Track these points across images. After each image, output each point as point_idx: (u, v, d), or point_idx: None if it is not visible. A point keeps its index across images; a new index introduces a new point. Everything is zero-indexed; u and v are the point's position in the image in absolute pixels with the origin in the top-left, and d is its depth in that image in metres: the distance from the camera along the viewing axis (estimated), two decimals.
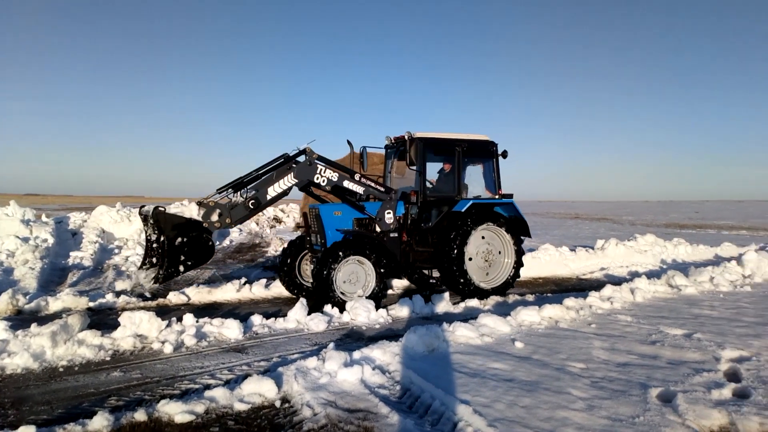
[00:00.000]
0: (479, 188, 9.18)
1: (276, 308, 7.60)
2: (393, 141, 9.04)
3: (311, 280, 8.07)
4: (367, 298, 7.21)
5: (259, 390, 4.01)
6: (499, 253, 8.62)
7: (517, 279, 8.71)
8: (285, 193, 7.49)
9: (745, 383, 4.01)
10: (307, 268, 8.60)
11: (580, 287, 9.53)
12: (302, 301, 6.81)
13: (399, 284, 9.42)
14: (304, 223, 8.48)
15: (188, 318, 6.11)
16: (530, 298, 8.33)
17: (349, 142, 8.82)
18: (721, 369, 4.38)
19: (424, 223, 8.57)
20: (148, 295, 7.79)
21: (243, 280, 8.76)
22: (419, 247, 8.44)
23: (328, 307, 6.97)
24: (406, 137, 8.13)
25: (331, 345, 4.97)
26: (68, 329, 5.36)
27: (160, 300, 7.82)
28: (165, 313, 6.89)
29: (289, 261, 8.40)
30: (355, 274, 7.43)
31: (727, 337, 5.30)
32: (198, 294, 8.04)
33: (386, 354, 4.73)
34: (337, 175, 7.75)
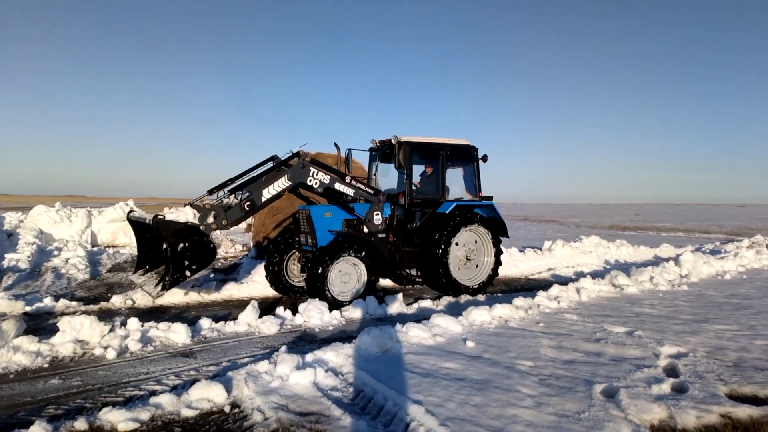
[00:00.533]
0: (459, 190, 9.45)
1: (226, 311, 7.43)
2: (378, 144, 9.22)
3: (299, 280, 8.58)
4: (352, 296, 7.58)
5: (207, 395, 3.90)
6: (480, 252, 8.97)
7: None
8: (279, 194, 7.62)
9: (682, 378, 4.21)
10: (294, 268, 8.73)
11: (528, 287, 9.77)
12: (253, 303, 6.69)
13: (381, 283, 9.30)
14: (294, 224, 8.72)
15: (133, 322, 5.89)
16: (481, 298, 8.48)
17: (336, 145, 8.91)
18: (661, 365, 4.58)
19: (409, 224, 8.79)
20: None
21: (191, 283, 8.52)
22: (405, 248, 8.68)
23: (280, 310, 6.88)
24: (393, 141, 8.37)
25: (283, 348, 4.90)
26: (2, 335, 5.08)
27: (103, 304, 7.51)
28: (108, 317, 6.61)
29: (276, 261, 8.49)
30: (347, 274, 7.65)
31: (666, 334, 5.55)
32: (144, 297, 7.75)
33: (339, 356, 4.70)
34: (329, 177, 7.94)
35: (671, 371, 4.45)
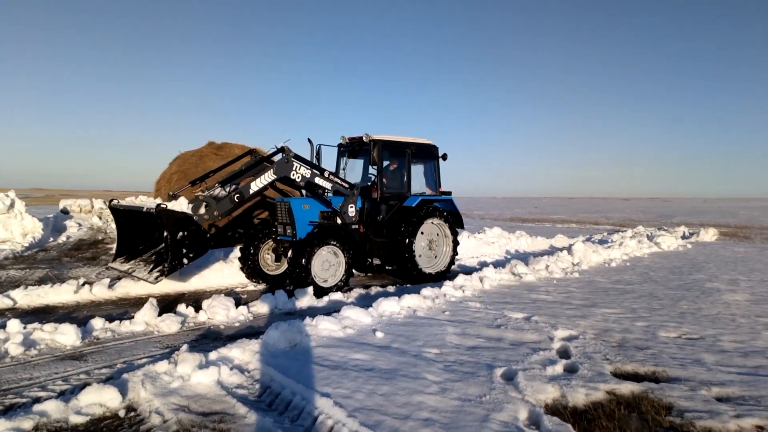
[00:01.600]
0: (420, 185, 10.11)
1: (121, 310, 6.95)
2: (348, 140, 9.70)
3: (272, 269, 9.12)
4: (337, 282, 8.08)
5: (99, 400, 3.62)
6: (440, 243, 9.82)
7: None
8: (265, 188, 7.96)
9: (573, 359, 4.53)
10: (268, 258, 9.15)
11: (436, 277, 10.05)
12: (152, 301, 6.31)
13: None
14: (271, 215, 9.15)
15: (13, 324, 5.33)
16: (391, 289, 8.60)
17: (309, 141, 9.22)
18: (555, 347, 4.90)
19: (378, 216, 9.33)
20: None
21: (82, 280, 7.88)
22: (375, 238, 9.22)
23: (182, 307, 6.55)
24: (365, 139, 9.03)
25: (185, 347, 4.66)
26: None
27: None
28: None
29: (252, 251, 8.82)
30: (327, 262, 8.10)
31: (560, 319, 5.95)
32: (26, 297, 7.05)
33: (245, 352, 4.56)
34: (310, 172, 8.37)
35: (564, 353, 4.77)
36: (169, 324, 5.92)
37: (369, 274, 10.06)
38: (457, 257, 10.35)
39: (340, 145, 10.02)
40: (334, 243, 8.06)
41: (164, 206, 7.15)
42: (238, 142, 15.16)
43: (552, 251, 13.03)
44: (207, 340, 5.61)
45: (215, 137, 22.14)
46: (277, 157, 8.30)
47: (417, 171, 10.13)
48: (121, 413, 3.55)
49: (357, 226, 8.96)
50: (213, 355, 4.43)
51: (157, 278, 6.97)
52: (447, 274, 9.55)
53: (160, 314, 6.15)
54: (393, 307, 6.20)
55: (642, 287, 8.10)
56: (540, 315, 6.10)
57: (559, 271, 9.38)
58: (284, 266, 9.18)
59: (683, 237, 16.90)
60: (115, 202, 8.42)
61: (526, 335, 5.27)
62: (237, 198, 7.61)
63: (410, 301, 6.48)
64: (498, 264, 10.35)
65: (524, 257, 10.96)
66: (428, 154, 10.01)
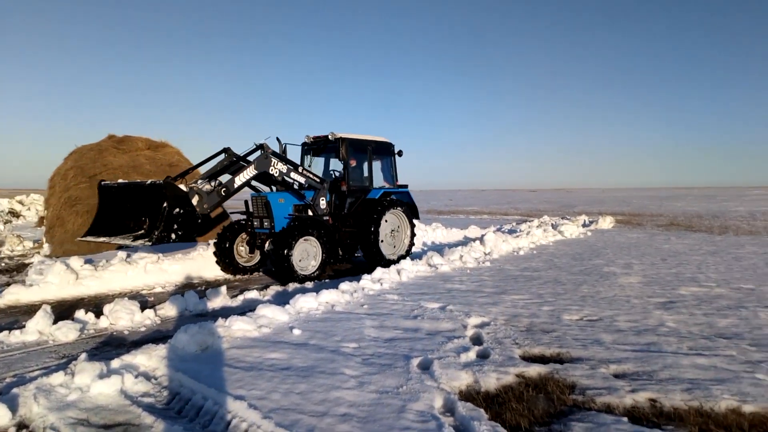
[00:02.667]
0: (379, 179, 10.89)
1: (11, 319, 6.34)
2: (312, 139, 10.28)
3: (246, 260, 9.64)
4: (315, 271, 8.72)
5: None
6: (400, 231, 10.75)
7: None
8: (248, 182, 8.52)
9: (485, 345, 4.70)
10: (242, 250, 9.63)
11: (355, 270, 10.05)
12: (45, 308, 5.79)
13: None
14: (246, 209, 9.63)
15: None
16: (309, 285, 8.49)
17: (278, 139, 9.66)
18: (468, 335, 5.06)
19: (344, 209, 10.04)
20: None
21: None
22: (344, 228, 9.90)
23: (80, 313, 6.06)
24: (330, 137, 9.75)
25: (83, 356, 4.31)
26: None
27: None
28: None
29: (227, 245, 9.29)
30: (306, 251, 8.68)
31: (473, 307, 6.15)
32: None
33: (152, 359, 4.31)
34: (286, 167, 8.98)
35: (477, 340, 4.94)
36: (66, 332, 5.47)
37: (338, 264, 10.64)
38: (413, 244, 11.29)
39: (304, 144, 10.55)
40: (312, 234, 8.64)
41: (172, 180, 7.71)
42: (142, 135, 14.30)
43: (466, 242, 13.46)
44: (109, 347, 5.25)
45: (116, 130, 20.74)
46: (256, 155, 8.78)
47: (376, 166, 10.85)
48: (11, 431, 3.23)
49: (327, 218, 9.55)
50: (115, 363, 4.14)
51: (144, 243, 7.42)
52: (406, 257, 10.10)
53: (55, 322, 5.66)
54: (311, 303, 6.12)
55: (547, 273, 8.57)
56: (455, 304, 6.27)
57: (472, 261, 9.70)
58: (257, 258, 9.76)
59: (584, 225, 18.06)
60: (105, 182, 8.88)
61: (441, 324, 5.40)
62: (224, 192, 8.05)
63: (328, 296, 6.43)
64: (415, 256, 10.53)
65: (440, 248, 11.23)
66: (386, 151, 10.91)
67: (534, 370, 4.06)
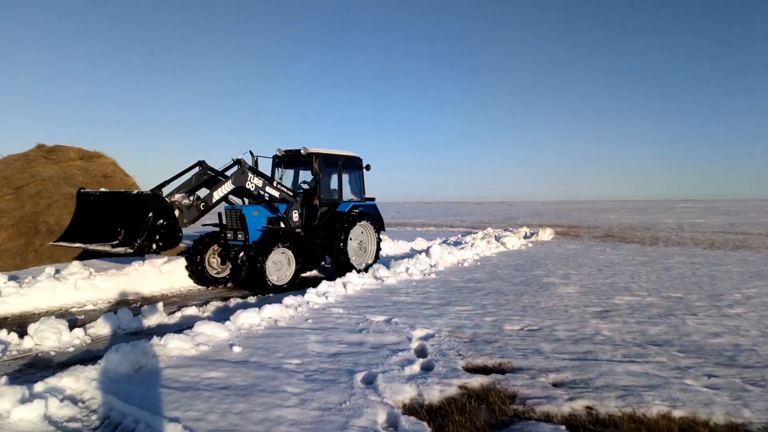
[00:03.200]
0: (347, 192, 11.27)
1: None
2: (283, 152, 10.56)
3: (217, 272, 9.77)
4: (288, 281, 9.03)
5: None
6: (367, 242, 11.20)
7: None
8: (226, 196, 8.86)
9: (430, 357, 4.71)
10: (214, 262, 9.77)
11: (299, 284, 9.90)
12: None
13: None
14: (219, 221, 9.79)
15: None
16: (252, 300, 8.28)
17: (251, 153, 9.86)
18: (413, 347, 5.05)
19: (315, 221, 10.41)
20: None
21: None
22: (315, 240, 10.26)
23: (2, 333, 5.65)
24: (303, 152, 10.12)
25: (4, 379, 4.00)
26: None
27: None
28: None
29: (199, 257, 9.45)
30: (280, 263, 9.03)
31: (418, 319, 6.17)
32: None
33: (80, 381, 4.05)
34: (262, 181, 9.31)
35: (421, 352, 4.95)
36: None
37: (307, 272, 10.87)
38: (381, 252, 11.89)
39: (275, 157, 10.83)
40: (285, 246, 8.96)
41: (160, 192, 7.97)
42: (74, 144, 13.63)
43: (412, 254, 13.55)
44: (33, 369, 4.91)
45: (45, 139, 19.64)
46: (233, 169, 9.05)
47: (344, 179, 11.27)
48: None
49: (299, 230, 9.92)
50: (39, 387, 3.87)
51: (127, 251, 7.38)
52: (372, 265, 10.37)
53: None
54: (253, 318, 5.95)
55: (490, 284, 8.73)
56: (400, 317, 6.27)
57: (418, 273, 9.76)
58: (229, 269, 9.90)
59: (525, 237, 18.61)
60: (85, 190, 8.85)
61: (386, 337, 5.38)
62: (203, 206, 8.37)
63: (271, 311, 6.28)
64: (361, 269, 10.49)
65: (386, 261, 11.26)
66: (354, 165, 11.40)
67: (476, 381, 4.09)
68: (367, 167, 11.56)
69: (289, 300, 6.84)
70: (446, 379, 4.12)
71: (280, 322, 6.02)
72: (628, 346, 5.06)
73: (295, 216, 9.94)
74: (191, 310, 7.12)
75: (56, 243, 8.61)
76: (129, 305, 7.73)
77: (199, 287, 9.51)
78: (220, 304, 7.88)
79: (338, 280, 8.36)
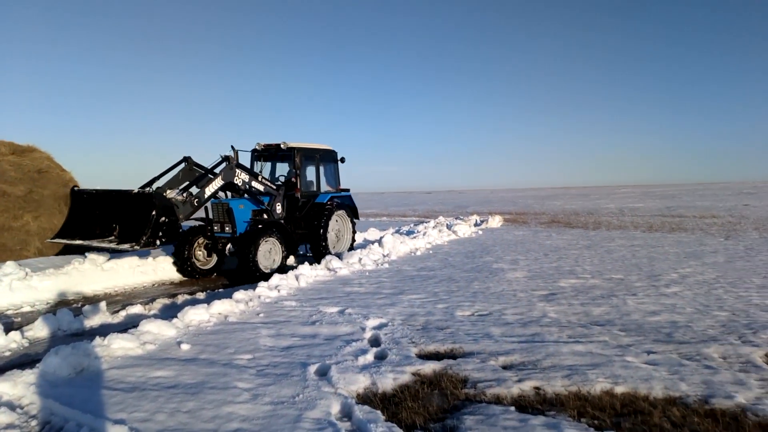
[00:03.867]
0: (324, 184, 11.86)
1: None
2: (263, 146, 11.13)
3: (202, 263, 10.24)
4: (276, 267, 9.56)
5: None
6: (343, 230, 11.92)
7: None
8: (216, 192, 9.38)
9: (383, 346, 4.74)
10: (200, 254, 10.26)
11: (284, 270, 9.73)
12: None
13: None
14: (205, 214, 10.28)
15: None
16: (201, 295, 8.09)
17: (232, 147, 10.11)
18: (366, 337, 5.07)
19: (297, 212, 11.01)
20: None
21: None
22: (297, 230, 10.83)
23: None
24: (283, 146, 10.71)
25: None
26: None
27: None
28: None
29: (186, 249, 9.84)
30: (268, 252, 9.58)
31: (371, 309, 6.19)
32: None
33: (17, 386, 3.85)
34: (248, 176, 9.90)
35: (375, 341, 4.97)
36: None
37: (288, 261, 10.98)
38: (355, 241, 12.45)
39: (254, 150, 11.31)
40: (271, 236, 9.58)
41: (162, 191, 8.54)
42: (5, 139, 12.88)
43: (365, 244, 13.53)
44: None
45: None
46: (221, 166, 9.56)
47: (321, 172, 11.81)
48: None
49: (283, 221, 10.48)
50: None
51: (133, 246, 7.71)
52: (349, 251, 11.26)
53: None
54: (201, 315, 5.81)
55: (442, 272, 8.86)
56: (353, 307, 6.27)
57: (371, 263, 9.78)
58: (214, 261, 10.43)
59: (475, 224, 18.94)
60: (78, 188, 9.35)
61: (340, 328, 5.37)
62: (196, 202, 8.87)
63: (221, 306, 6.14)
64: (314, 260, 10.41)
65: (339, 252, 11.20)
66: (330, 158, 12.00)
67: (429, 368, 4.15)
68: (342, 160, 12.19)
69: (239, 295, 6.71)
70: (400, 367, 4.15)
71: (230, 318, 5.90)
72: (573, 327, 5.26)
73: (279, 208, 10.53)
74: (136, 309, 6.87)
75: (54, 240, 8.96)
76: (69, 306, 7.40)
77: (144, 284, 9.20)
78: (167, 301, 7.65)
79: (290, 273, 8.27)
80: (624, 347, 4.58)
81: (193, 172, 9.61)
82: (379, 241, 11.99)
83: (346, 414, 3.38)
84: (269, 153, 11.32)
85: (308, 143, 11.25)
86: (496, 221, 19.51)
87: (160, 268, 9.90)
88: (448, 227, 16.78)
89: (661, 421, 3.23)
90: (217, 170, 9.47)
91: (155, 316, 5.91)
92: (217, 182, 9.28)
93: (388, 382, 3.90)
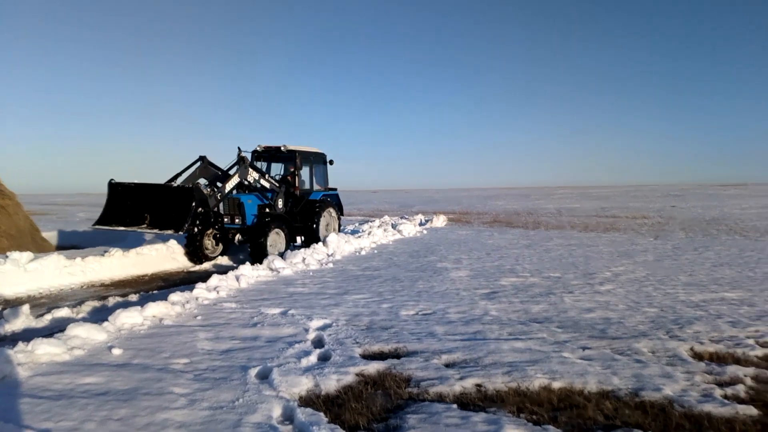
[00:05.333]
0: (315, 183, 13.56)
1: None
2: (263, 148, 12.59)
3: (210, 251, 11.55)
4: (281, 252, 10.76)
5: None
6: (331, 223, 13.43)
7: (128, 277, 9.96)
8: (233, 189, 10.87)
9: (327, 347, 4.68)
10: (209, 243, 11.51)
11: (189, 280, 9.40)
12: None
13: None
14: (217, 207, 11.15)
15: None
16: (134, 298, 7.70)
17: (239, 149, 11.40)
18: (309, 338, 5.00)
19: (294, 207, 12.45)
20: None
21: None
22: (295, 224, 12.21)
23: None
24: (283, 149, 12.27)
25: None
26: None
27: None
28: None
29: (198, 238, 11.02)
30: (275, 240, 10.95)
31: (315, 309, 6.11)
32: None
33: None
34: (258, 175, 11.40)
35: (318, 342, 4.91)
36: None
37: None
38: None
39: (255, 152, 12.61)
40: (278, 227, 11.02)
41: (199, 185, 10.17)
42: None
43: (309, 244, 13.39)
44: None
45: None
46: (237, 165, 10.97)
47: (314, 172, 13.55)
48: None
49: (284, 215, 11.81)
50: None
51: (176, 230, 9.15)
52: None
53: None
54: (135, 318, 5.54)
55: (387, 272, 8.89)
56: (296, 308, 6.18)
57: (315, 263, 9.68)
58: (220, 249, 11.78)
59: (420, 224, 19.14)
60: (114, 180, 10.24)
61: (282, 330, 5.27)
62: (219, 196, 10.43)
63: (156, 309, 5.88)
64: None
65: (282, 252, 11.01)
66: (321, 160, 13.75)
67: (373, 368, 4.14)
68: (331, 162, 13.91)
69: (175, 297, 6.44)
70: (343, 368, 4.12)
71: (165, 321, 5.66)
72: (513, 325, 5.39)
73: (280, 203, 11.94)
74: (63, 312, 6.44)
75: (95, 227, 10.02)
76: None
77: (72, 286, 8.67)
78: (97, 303, 7.23)
79: (230, 273, 8.05)
80: (561, 343, 4.74)
81: (208, 170, 11.01)
82: (323, 241, 11.88)
83: (288, 417, 3.32)
84: (269, 154, 12.78)
85: (304, 146, 12.87)
86: (440, 221, 19.79)
87: (89, 268, 9.29)
88: (393, 227, 16.86)
89: (594, 414, 3.35)
90: (232, 171, 10.91)
91: (84, 320, 5.59)
92: (235, 180, 10.76)
93: (331, 383, 3.85)
